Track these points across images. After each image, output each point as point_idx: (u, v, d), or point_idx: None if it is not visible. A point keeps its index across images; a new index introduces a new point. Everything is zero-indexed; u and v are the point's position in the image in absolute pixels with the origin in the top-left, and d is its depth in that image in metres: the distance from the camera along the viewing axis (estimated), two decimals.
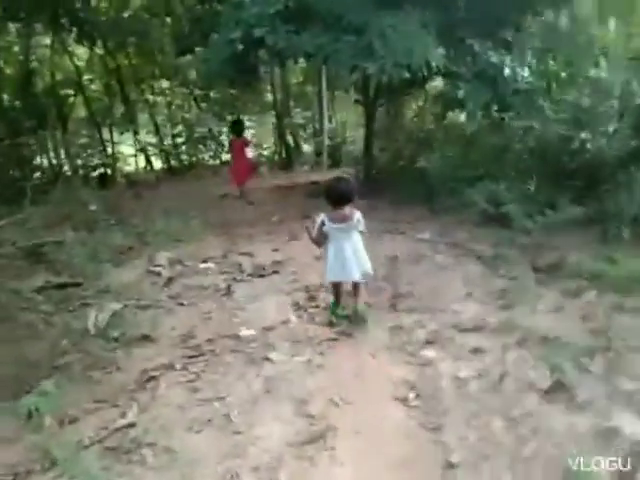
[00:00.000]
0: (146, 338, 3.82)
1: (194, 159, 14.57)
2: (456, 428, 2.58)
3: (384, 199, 7.96)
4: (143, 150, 13.52)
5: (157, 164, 14.67)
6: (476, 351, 3.31)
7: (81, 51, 14.69)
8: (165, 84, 16.26)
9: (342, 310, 3.91)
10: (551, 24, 6.82)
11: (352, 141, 14.30)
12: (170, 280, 4.80)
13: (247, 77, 13.28)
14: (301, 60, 8.49)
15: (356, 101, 10.27)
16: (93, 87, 16.05)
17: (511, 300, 3.96)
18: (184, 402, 2.95)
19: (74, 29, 10.57)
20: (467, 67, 6.73)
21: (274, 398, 2.95)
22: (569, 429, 2.46)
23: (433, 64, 6.19)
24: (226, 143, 13.64)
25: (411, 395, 2.90)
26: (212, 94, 16.96)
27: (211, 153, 14.84)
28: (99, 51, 13.90)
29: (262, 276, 4.87)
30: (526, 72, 6.65)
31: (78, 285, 4.71)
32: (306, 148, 15.38)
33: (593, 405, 2.62)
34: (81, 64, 14.85)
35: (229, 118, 16.64)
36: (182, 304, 4.36)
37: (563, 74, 6.40)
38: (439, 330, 3.64)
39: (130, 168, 14.76)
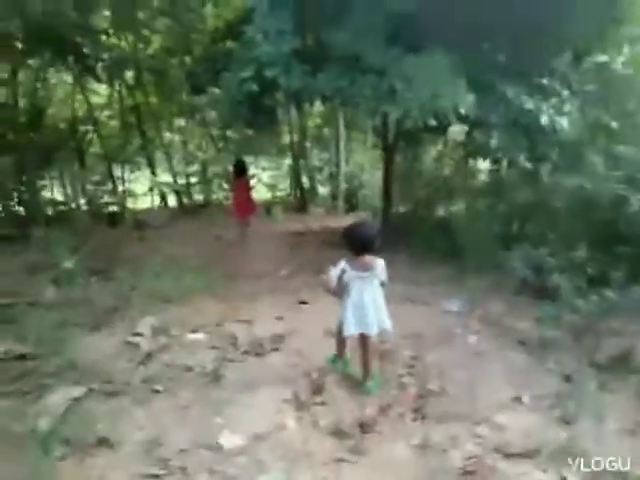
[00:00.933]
0: (104, 442, 2.92)
1: (207, 198, 13.87)
2: None
3: (402, 252, 7.08)
4: (154, 189, 12.87)
5: (171, 202, 14.06)
6: None
7: (102, 88, 14.42)
8: (183, 123, 15.87)
9: (345, 365, 3.65)
10: (602, 65, 5.97)
11: (369, 186, 13.53)
12: (149, 356, 3.91)
13: (263, 119, 12.72)
14: (318, 102, 7.88)
15: (375, 146, 9.50)
16: (112, 124, 15.71)
17: (570, 410, 3.01)
18: None
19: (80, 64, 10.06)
20: (498, 114, 5.92)
21: None
22: None
23: (462, 110, 5.40)
24: None
25: None
26: (229, 133, 16.50)
27: (225, 193, 14.15)
28: (118, 88, 13.59)
29: (259, 355, 3.96)
30: (565, 121, 5.80)
31: (41, 358, 3.86)
32: (322, 191, 14.64)
33: None
34: (100, 100, 14.54)
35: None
36: (157, 391, 3.46)
37: (614, 124, 5.53)
38: (479, 454, 2.70)
39: (144, 206, 14.18)
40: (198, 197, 13.76)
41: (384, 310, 3.37)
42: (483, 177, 9.60)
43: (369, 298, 3.27)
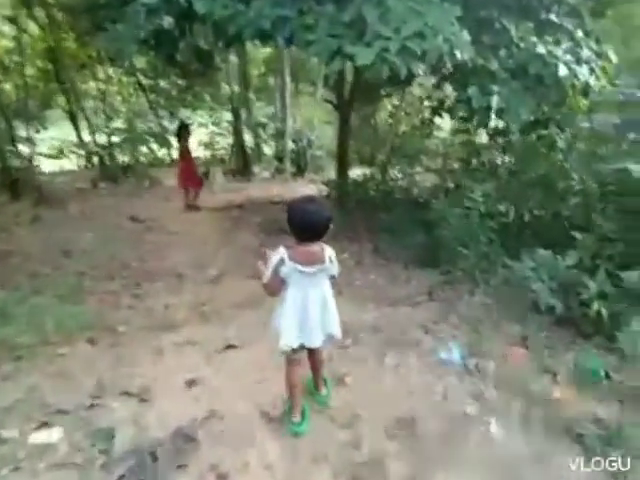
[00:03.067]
0: None
1: (133, 159, 11.48)
2: None
3: (363, 239, 5.36)
4: (64, 152, 10.43)
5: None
6: None
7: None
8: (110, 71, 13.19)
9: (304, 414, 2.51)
10: None
11: (319, 146, 11.57)
12: None
13: (197, 66, 10.52)
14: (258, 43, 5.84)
15: (327, 101, 7.54)
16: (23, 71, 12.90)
17: None
18: None
19: None
20: (499, 60, 4.14)
21: None
22: None
23: (458, 54, 3.57)
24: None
25: None
26: (162, 84, 14.00)
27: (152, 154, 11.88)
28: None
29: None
30: (585, 71, 4.10)
31: None
32: (266, 150, 12.56)
33: None
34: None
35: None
36: None
37: None
38: None
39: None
40: (122, 158, 11.31)
41: (333, 313, 2.46)
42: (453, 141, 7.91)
43: (316, 298, 2.38)
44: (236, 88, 11.53)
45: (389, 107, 11.81)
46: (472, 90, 3.95)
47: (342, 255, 4.96)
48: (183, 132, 7.75)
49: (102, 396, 2.66)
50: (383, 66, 3.26)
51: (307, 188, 9.41)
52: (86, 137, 11.89)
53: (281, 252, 2.28)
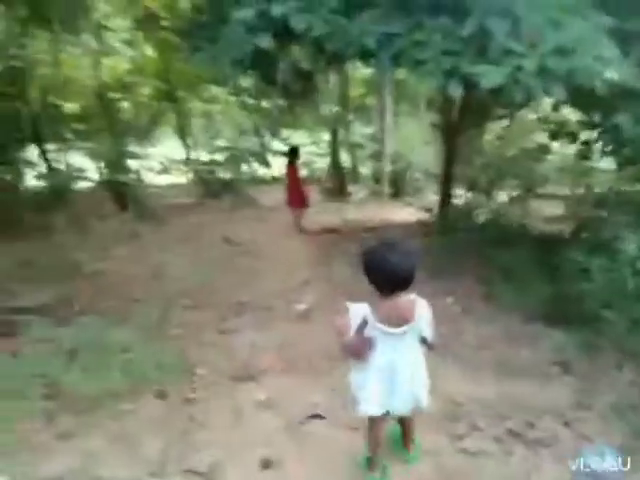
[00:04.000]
0: None
1: (235, 177, 11.52)
2: None
3: (476, 287, 4.57)
4: (168, 169, 10.68)
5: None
6: None
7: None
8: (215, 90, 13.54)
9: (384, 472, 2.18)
10: None
11: (418, 168, 10.86)
12: None
13: (298, 86, 10.24)
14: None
15: (433, 125, 6.88)
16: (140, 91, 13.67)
17: None
18: None
19: None
20: None
21: None
22: None
23: (608, 74, 2.80)
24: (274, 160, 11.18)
25: None
26: (264, 104, 14.10)
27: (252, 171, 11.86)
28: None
29: None
30: None
31: None
32: (363, 171, 12.08)
33: None
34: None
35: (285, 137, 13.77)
36: None
37: None
38: None
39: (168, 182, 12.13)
40: (224, 176, 11.38)
41: (423, 380, 2.07)
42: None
43: (405, 363, 1.97)
44: (335, 108, 11.20)
45: (497, 128, 10.84)
46: (622, 117, 3.13)
47: (446, 299, 4.28)
48: (295, 154, 7.80)
49: (163, 473, 2.25)
50: (515, 89, 2.59)
51: (405, 212, 8.77)
52: (192, 154, 12.23)
53: (363, 311, 1.92)
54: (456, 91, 3.08)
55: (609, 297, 2.98)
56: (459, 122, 6.03)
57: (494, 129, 11.26)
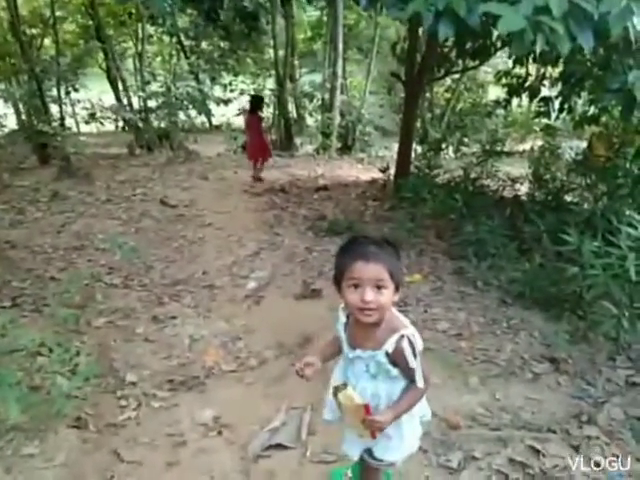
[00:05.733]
0: None
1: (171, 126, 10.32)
2: None
3: (444, 262, 4.05)
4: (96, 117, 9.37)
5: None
6: None
7: None
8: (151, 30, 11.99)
9: None
10: None
11: (369, 120, 10.17)
12: None
13: (241, 26, 9.34)
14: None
15: (394, 75, 6.16)
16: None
17: None
18: None
19: None
20: None
21: None
22: None
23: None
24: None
25: None
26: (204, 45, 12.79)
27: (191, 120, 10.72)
28: None
29: None
30: None
31: None
32: (310, 122, 11.23)
33: None
34: None
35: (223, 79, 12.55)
36: None
37: None
38: None
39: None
40: (159, 124, 10.15)
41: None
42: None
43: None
44: (281, 53, 10.15)
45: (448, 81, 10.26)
46: (635, 75, 2.60)
47: (412, 276, 3.77)
48: (258, 104, 7.38)
49: None
50: (538, 36, 1.95)
51: (356, 169, 8.16)
52: (123, 100, 10.84)
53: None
54: (446, 34, 2.41)
55: (604, 284, 2.56)
56: (421, 74, 5.36)
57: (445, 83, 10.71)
